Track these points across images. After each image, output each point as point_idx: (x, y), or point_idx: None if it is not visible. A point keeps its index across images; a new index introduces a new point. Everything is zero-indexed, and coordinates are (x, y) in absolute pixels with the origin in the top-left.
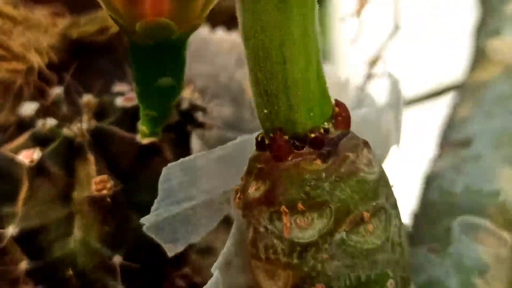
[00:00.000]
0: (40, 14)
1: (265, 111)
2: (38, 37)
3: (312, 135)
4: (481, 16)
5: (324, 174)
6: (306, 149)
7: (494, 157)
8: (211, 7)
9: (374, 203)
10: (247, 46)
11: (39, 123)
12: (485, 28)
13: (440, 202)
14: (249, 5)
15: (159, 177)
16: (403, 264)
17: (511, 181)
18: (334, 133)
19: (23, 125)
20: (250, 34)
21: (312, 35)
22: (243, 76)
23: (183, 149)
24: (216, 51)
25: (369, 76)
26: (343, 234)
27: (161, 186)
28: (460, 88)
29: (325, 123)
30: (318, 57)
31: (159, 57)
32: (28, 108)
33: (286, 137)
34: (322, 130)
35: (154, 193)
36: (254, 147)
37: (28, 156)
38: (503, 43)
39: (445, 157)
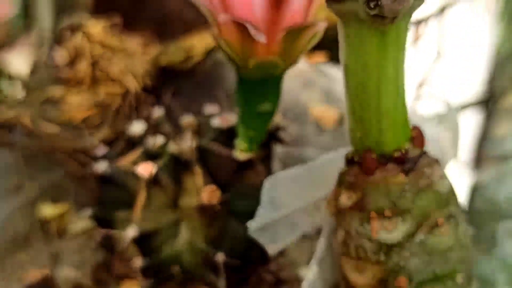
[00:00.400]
0: (134, 43)
1: (358, 134)
2: (134, 63)
3: (396, 154)
4: None
5: (407, 186)
6: (390, 166)
7: None
8: (312, 46)
9: (446, 210)
10: (348, 82)
11: (150, 141)
12: None
13: (484, 210)
14: (354, 50)
15: (253, 187)
16: (468, 261)
17: None
18: (413, 152)
19: (133, 142)
20: (352, 72)
21: (401, 72)
22: (307, 98)
23: (268, 164)
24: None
25: (417, 97)
26: (422, 236)
27: (264, 195)
28: (495, 110)
29: (406, 144)
30: (404, 90)
31: (262, 88)
32: (138, 128)
33: (374, 155)
34: (404, 150)
35: (249, 201)
36: (343, 163)
37: (146, 169)
38: None
39: (487, 171)
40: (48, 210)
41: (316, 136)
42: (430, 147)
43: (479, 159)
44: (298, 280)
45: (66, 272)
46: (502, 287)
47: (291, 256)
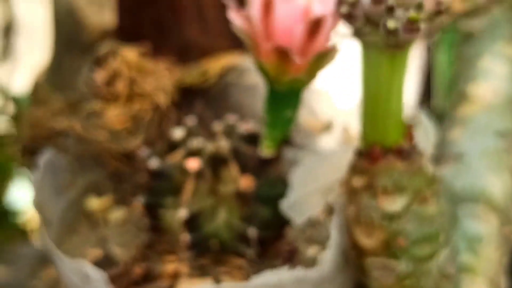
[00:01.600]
0: (161, 66)
1: (368, 131)
2: (162, 83)
3: (396, 147)
4: (459, 68)
5: (403, 171)
6: (391, 155)
7: (480, 166)
8: (331, 63)
9: (432, 188)
10: (365, 91)
11: (192, 142)
12: (464, 77)
13: (446, 197)
14: (370, 67)
15: (276, 177)
16: (447, 227)
17: (493, 182)
18: (406, 145)
19: (174, 144)
20: (367, 84)
21: (403, 85)
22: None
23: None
24: None
25: None
26: (415, 207)
27: (292, 181)
28: (448, 118)
29: (402, 139)
30: (402, 98)
31: (288, 98)
32: (178, 132)
33: (379, 148)
34: (401, 144)
35: (274, 188)
36: (349, 155)
37: (194, 164)
38: (479, 88)
39: (445, 167)
40: (94, 202)
41: (305, 140)
42: None
43: (438, 158)
44: (308, 252)
45: (115, 251)
46: (464, 252)
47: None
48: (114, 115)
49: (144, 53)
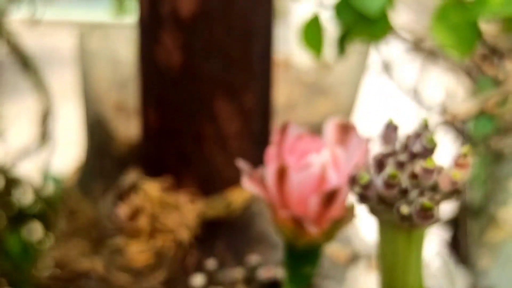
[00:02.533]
0: (183, 198)
1: None
2: (184, 216)
3: None
4: (489, 189)
5: None
6: None
7: None
8: (347, 226)
9: None
10: (382, 263)
11: None
12: (494, 199)
13: None
14: (386, 241)
15: None
16: None
17: None
18: None
19: None
20: (384, 256)
21: (420, 259)
22: None
23: None
24: None
25: None
26: None
27: None
28: (477, 245)
29: None
30: (422, 268)
31: (306, 256)
32: (198, 280)
33: None
34: None
35: None
36: None
37: None
38: (509, 213)
39: None
40: None
41: (332, 270)
42: None
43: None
44: None
45: None
46: None
47: None
48: (137, 252)
49: (167, 187)
